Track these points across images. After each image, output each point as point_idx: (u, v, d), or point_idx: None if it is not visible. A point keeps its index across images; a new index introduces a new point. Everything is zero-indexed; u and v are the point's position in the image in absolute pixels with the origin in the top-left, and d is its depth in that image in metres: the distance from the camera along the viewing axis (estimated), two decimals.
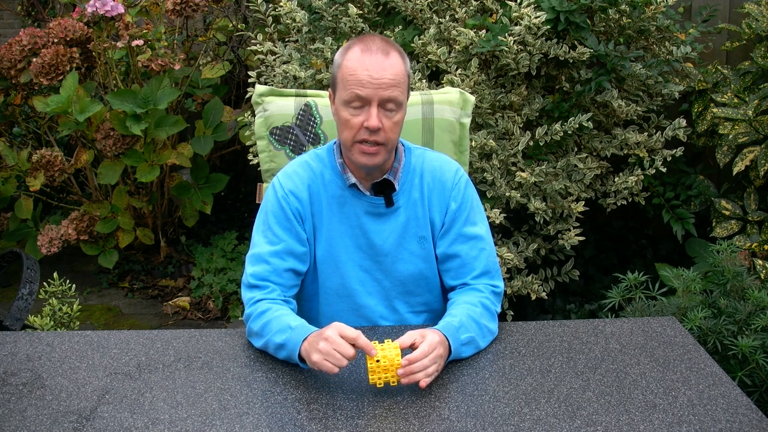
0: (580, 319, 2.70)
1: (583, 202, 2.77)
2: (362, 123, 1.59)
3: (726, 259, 2.27)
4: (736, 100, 3.04)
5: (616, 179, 2.87)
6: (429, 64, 2.78)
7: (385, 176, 1.71)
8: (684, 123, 2.87)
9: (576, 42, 2.74)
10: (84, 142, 3.89)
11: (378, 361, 1.40)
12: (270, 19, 3.10)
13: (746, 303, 2.11)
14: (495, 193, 2.72)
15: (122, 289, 4.07)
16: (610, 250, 3.54)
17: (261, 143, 2.03)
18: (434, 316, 1.80)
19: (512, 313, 2.86)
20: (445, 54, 2.69)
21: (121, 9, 3.45)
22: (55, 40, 3.56)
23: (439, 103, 2.02)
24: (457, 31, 2.68)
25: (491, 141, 2.67)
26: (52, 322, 2.52)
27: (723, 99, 3.05)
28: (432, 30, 2.72)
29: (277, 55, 2.99)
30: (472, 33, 2.63)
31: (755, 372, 1.97)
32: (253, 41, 3.21)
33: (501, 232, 2.96)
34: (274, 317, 1.58)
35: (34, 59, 3.52)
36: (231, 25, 4.03)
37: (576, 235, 2.78)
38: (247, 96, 2.81)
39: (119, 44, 3.57)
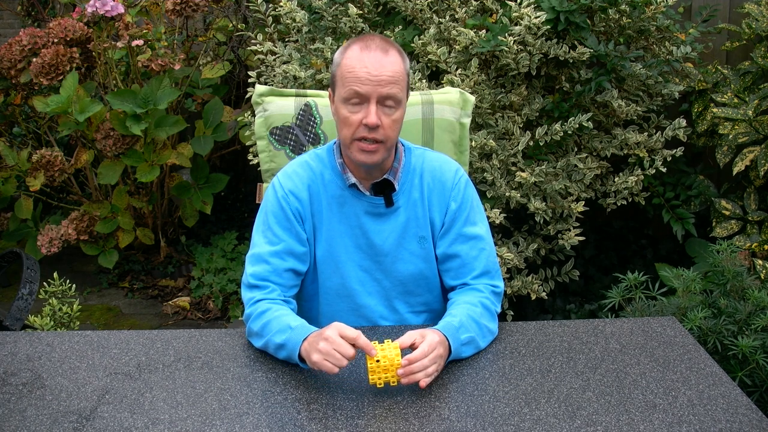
0: (580, 319, 2.70)
1: (583, 202, 2.77)
2: (361, 120, 1.59)
3: (726, 259, 2.27)
4: (736, 100, 3.04)
5: (616, 179, 2.87)
6: (429, 64, 2.78)
7: (385, 176, 1.71)
8: (684, 123, 2.87)
9: (576, 42, 2.74)
10: (84, 142, 3.89)
11: (378, 361, 1.40)
12: (270, 19, 3.10)
13: (746, 303, 2.11)
14: (495, 193, 2.72)
15: (122, 289, 4.07)
16: (610, 250, 3.54)
17: (261, 143, 2.03)
18: (434, 316, 1.80)
19: (512, 313, 2.86)
20: (445, 54, 2.69)
21: (121, 9, 3.45)
22: (55, 40, 3.56)
23: (439, 103, 2.02)
24: (457, 31, 2.68)
25: (491, 141, 2.67)
26: (52, 322, 2.52)
27: (723, 99, 3.05)
28: (432, 30, 2.72)
29: (277, 55, 2.99)
30: (472, 33, 2.63)
31: (755, 372, 1.97)
32: (253, 41, 3.21)
33: (501, 232, 2.96)
34: (274, 317, 1.58)
35: (34, 59, 3.52)
36: (231, 25, 4.03)
37: (576, 235, 2.78)
38: (247, 96, 2.81)
39: (119, 44, 3.57)
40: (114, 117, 3.56)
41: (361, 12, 2.83)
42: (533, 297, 2.80)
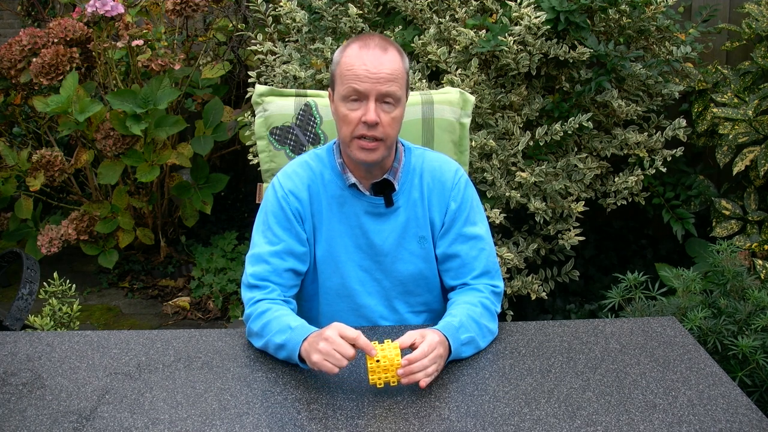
0: (580, 319, 2.70)
1: (583, 202, 2.77)
2: (360, 118, 1.59)
3: (726, 259, 2.27)
4: (736, 100, 3.04)
5: (616, 179, 2.87)
6: (429, 64, 2.78)
7: (384, 176, 1.71)
8: (684, 123, 2.87)
9: (576, 42, 2.74)
10: (84, 142, 3.89)
11: (378, 361, 1.40)
12: (270, 19, 3.10)
13: (746, 303, 2.11)
14: (495, 193, 2.72)
15: (122, 289, 4.07)
16: (610, 250, 3.54)
17: (261, 143, 2.03)
18: (434, 316, 1.80)
19: (512, 313, 2.86)
20: (445, 54, 2.69)
21: (121, 9, 3.45)
22: (55, 40, 3.56)
23: (439, 103, 2.02)
24: (457, 31, 2.68)
25: (491, 141, 2.67)
26: (52, 322, 2.52)
27: (723, 99, 3.05)
28: (432, 30, 2.72)
29: (277, 55, 2.99)
30: (472, 33, 2.63)
31: (755, 372, 1.97)
32: (253, 41, 3.21)
33: (501, 232, 2.96)
34: (274, 317, 1.58)
35: (34, 59, 3.52)
36: (231, 25, 4.03)
37: (576, 235, 2.78)
38: (247, 96, 2.81)
39: (119, 44, 3.57)
40: (114, 117, 3.56)
41: (361, 12, 2.83)
42: (533, 297, 2.80)
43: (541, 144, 2.74)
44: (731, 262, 2.25)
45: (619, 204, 2.93)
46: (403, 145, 1.78)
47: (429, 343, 1.45)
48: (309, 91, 2.07)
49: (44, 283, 2.71)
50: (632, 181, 2.83)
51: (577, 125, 2.67)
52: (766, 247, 2.85)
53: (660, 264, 3.00)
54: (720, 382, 1.46)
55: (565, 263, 2.96)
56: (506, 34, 2.62)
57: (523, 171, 2.72)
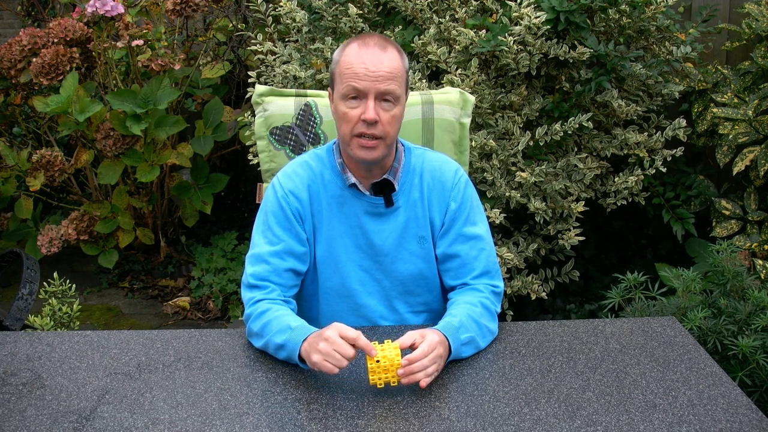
0: (580, 319, 2.70)
1: (583, 202, 2.77)
2: (360, 116, 1.60)
3: (726, 259, 2.27)
4: (736, 100, 3.04)
5: (616, 179, 2.87)
6: (429, 64, 2.78)
7: (384, 176, 1.71)
8: (684, 123, 2.87)
9: (576, 42, 2.74)
10: (84, 142, 3.89)
11: (378, 361, 1.40)
12: (270, 19, 3.10)
13: (746, 303, 2.11)
14: (495, 193, 2.72)
15: (122, 289, 4.07)
16: (610, 250, 3.54)
17: (261, 143, 2.03)
18: (434, 316, 1.80)
19: (512, 313, 2.86)
20: (445, 54, 2.69)
21: (121, 9, 3.45)
22: (55, 40, 3.56)
23: (439, 103, 2.02)
24: (457, 31, 2.68)
25: (491, 141, 2.67)
26: (52, 322, 2.52)
27: (723, 99, 3.05)
28: (432, 30, 2.72)
29: (277, 55, 2.99)
30: (472, 33, 2.63)
31: (755, 372, 1.97)
32: (253, 41, 3.21)
33: (501, 232, 2.96)
34: (274, 317, 1.58)
35: (34, 59, 3.52)
36: (231, 25, 4.03)
37: (576, 235, 2.78)
38: (247, 96, 2.81)
39: (119, 44, 3.57)
40: (114, 117, 3.56)
41: (361, 12, 2.83)
42: (533, 297, 2.80)
43: (541, 144, 2.74)
44: (731, 262, 2.25)
45: (619, 204, 2.93)
46: (403, 145, 1.78)
47: (429, 343, 1.45)
48: (309, 91, 2.07)
49: (44, 283, 2.71)
50: (632, 181, 2.83)
51: (577, 125, 2.67)
52: (766, 247, 2.85)
53: (660, 264, 3.00)
54: (720, 382, 1.46)
55: (565, 263, 2.96)
56: (506, 34, 2.62)
57: (523, 171, 2.72)
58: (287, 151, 2.01)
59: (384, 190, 1.72)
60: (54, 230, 3.70)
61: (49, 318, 2.52)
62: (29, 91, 3.83)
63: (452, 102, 2.02)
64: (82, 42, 3.64)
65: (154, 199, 4.01)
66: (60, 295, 2.68)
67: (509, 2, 2.68)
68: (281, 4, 2.99)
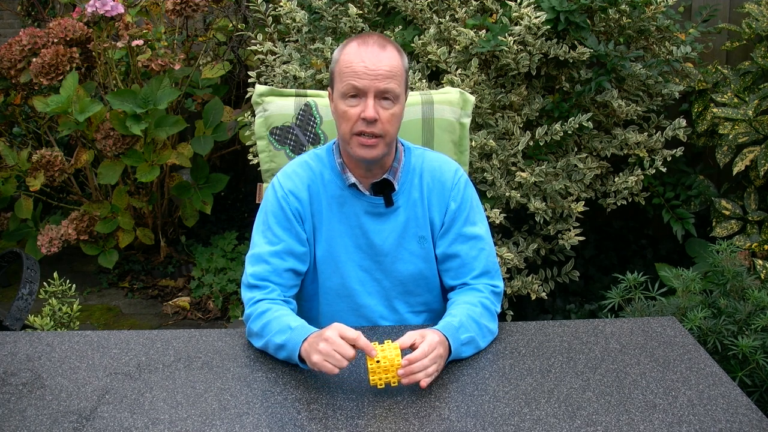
0: (580, 319, 2.70)
1: (583, 202, 2.77)
2: (359, 114, 1.60)
3: (726, 259, 2.27)
4: (736, 100, 3.04)
5: (616, 179, 2.87)
6: (429, 64, 2.78)
7: (384, 176, 1.71)
8: (684, 123, 2.87)
9: (576, 42, 2.74)
10: (84, 142, 3.89)
11: (378, 361, 1.40)
12: (270, 19, 3.10)
13: (746, 303, 2.11)
14: (495, 193, 2.72)
15: (122, 289, 4.07)
16: (610, 250, 3.54)
17: (261, 143, 2.03)
18: (434, 316, 1.80)
19: (512, 313, 2.86)
20: (445, 54, 2.69)
21: (121, 9, 3.45)
22: (55, 40, 3.56)
23: (439, 103, 2.02)
24: (457, 31, 2.68)
25: (491, 141, 2.67)
26: (52, 322, 2.52)
27: (723, 99, 3.05)
28: (432, 30, 2.72)
29: (277, 55, 2.99)
30: (472, 33, 2.63)
31: (755, 372, 1.97)
32: (253, 41, 3.21)
33: (501, 232, 2.96)
34: (274, 318, 1.58)
35: (34, 59, 3.52)
36: (231, 25, 4.03)
37: (576, 235, 2.78)
38: (247, 96, 2.81)
39: (119, 44, 3.57)
40: (114, 117, 3.56)
41: (361, 12, 2.83)
42: (533, 297, 2.80)
43: (541, 144, 2.74)
44: (731, 262, 2.25)
45: (619, 204, 2.93)
46: (402, 145, 1.78)
47: (429, 343, 1.45)
48: (309, 91, 2.07)
49: (44, 283, 2.71)
50: (632, 181, 2.83)
51: (577, 125, 2.67)
52: (766, 247, 2.85)
53: (660, 264, 3.00)
54: (720, 382, 1.46)
55: (565, 263, 2.96)
56: (506, 34, 2.62)
57: (523, 171, 2.72)
58: (287, 151, 2.01)
59: (384, 189, 1.72)
60: (54, 230, 3.70)
61: (49, 318, 2.52)
62: (29, 91, 3.83)
63: (452, 102, 2.02)
64: (82, 42, 3.64)
65: (154, 199, 4.01)
66: (60, 295, 2.68)
67: (509, 2, 2.68)
68: (281, 4, 2.99)
